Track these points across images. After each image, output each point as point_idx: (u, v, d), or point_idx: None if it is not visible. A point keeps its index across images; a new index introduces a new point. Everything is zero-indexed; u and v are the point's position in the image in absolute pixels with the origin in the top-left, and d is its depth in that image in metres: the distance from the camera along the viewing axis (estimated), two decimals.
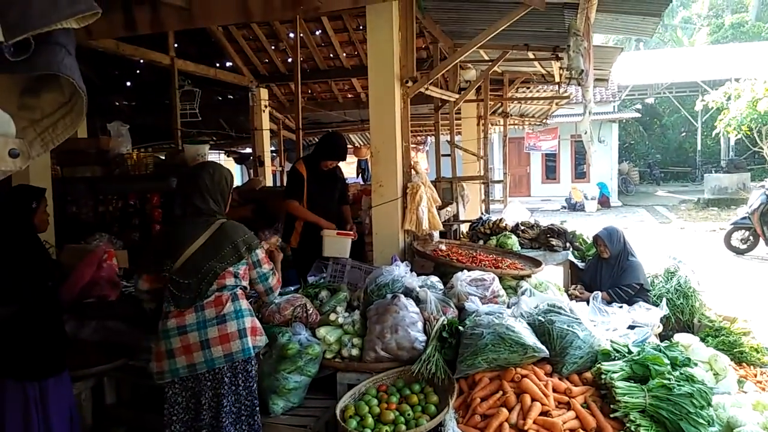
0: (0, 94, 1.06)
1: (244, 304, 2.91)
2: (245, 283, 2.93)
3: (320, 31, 8.36)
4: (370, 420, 2.87)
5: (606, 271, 4.88)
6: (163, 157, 6.77)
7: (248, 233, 2.94)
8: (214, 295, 2.81)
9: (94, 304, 4.11)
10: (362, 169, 14.71)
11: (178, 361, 2.75)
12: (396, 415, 2.88)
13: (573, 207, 20.22)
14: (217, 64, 8.93)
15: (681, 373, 2.92)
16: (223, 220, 2.93)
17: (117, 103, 10.45)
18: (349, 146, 14.96)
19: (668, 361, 3.01)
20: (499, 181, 11.08)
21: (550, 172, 24.30)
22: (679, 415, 2.70)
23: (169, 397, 2.79)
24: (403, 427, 2.82)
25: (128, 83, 10.07)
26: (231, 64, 9.06)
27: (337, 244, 4.60)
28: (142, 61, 7.92)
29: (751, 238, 10.67)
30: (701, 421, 2.70)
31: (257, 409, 2.91)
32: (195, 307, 2.79)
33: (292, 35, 7.84)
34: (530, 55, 7.48)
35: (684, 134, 29.10)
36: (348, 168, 15.06)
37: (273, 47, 8.89)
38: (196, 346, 2.74)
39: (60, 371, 3.02)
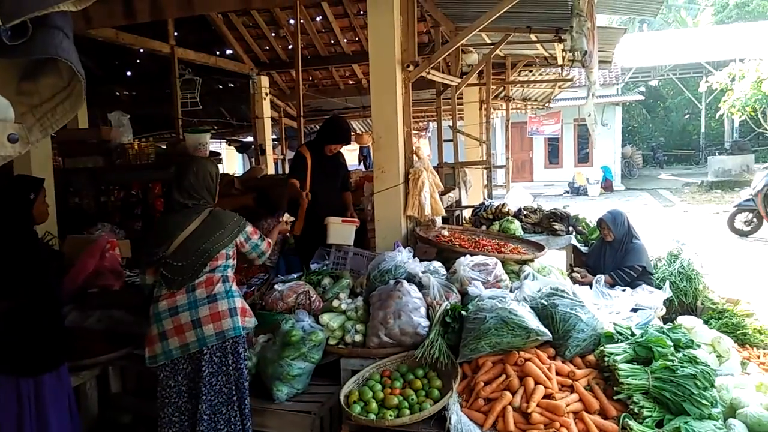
0: None
1: (234, 285, 3.03)
2: (234, 261, 3.07)
3: (321, 17, 8.31)
4: (374, 405, 2.88)
5: (610, 254, 4.87)
6: (165, 147, 6.76)
7: (236, 217, 3.10)
8: (205, 275, 2.91)
9: (97, 294, 4.14)
10: (364, 156, 14.69)
11: (170, 343, 2.82)
12: (400, 400, 2.89)
13: (576, 191, 20.18)
14: (218, 52, 8.90)
15: (684, 355, 2.91)
16: (211, 208, 3.05)
17: (117, 93, 10.44)
18: (351, 134, 14.93)
19: (671, 343, 3.01)
20: (501, 166, 11.02)
21: (553, 156, 24.20)
22: (682, 397, 2.70)
23: (161, 380, 2.86)
24: (407, 411, 2.83)
25: (128, 73, 10.04)
26: (231, 51, 9.02)
27: (341, 231, 4.60)
28: (142, 50, 7.90)
29: (754, 220, 10.63)
30: (704, 402, 2.71)
31: (247, 393, 2.98)
32: (186, 288, 2.87)
33: (292, 22, 7.80)
34: (532, 37, 7.41)
35: (688, 116, 28.89)
36: (350, 155, 15.03)
37: (273, 34, 8.84)
38: (188, 325, 2.82)
39: (56, 366, 2.94)
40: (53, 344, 2.94)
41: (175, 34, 7.44)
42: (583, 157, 23.41)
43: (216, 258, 2.94)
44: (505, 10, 4.53)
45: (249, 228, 3.15)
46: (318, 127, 5.21)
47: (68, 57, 1.06)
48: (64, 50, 1.05)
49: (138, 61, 9.56)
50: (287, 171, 6.03)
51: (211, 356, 2.85)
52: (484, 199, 7.46)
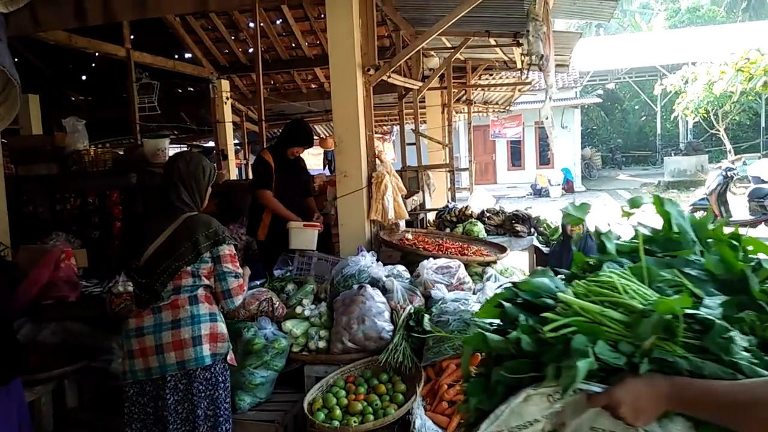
0: None
1: (205, 308, 2.71)
2: (209, 282, 2.74)
3: (281, 20, 8.24)
4: (338, 412, 2.86)
5: (570, 252, 4.95)
6: (122, 153, 6.61)
7: (214, 227, 2.72)
8: (170, 297, 2.67)
9: (52, 306, 3.99)
10: (329, 160, 14.61)
11: (136, 363, 2.66)
12: (364, 406, 2.87)
13: (538, 193, 20.50)
14: (176, 56, 8.72)
15: None
16: (189, 214, 2.74)
17: (72, 98, 10.15)
18: (314, 138, 14.85)
19: None
20: (464, 169, 11.14)
21: (516, 159, 24.56)
22: None
23: (130, 396, 2.71)
24: (371, 417, 2.81)
25: (83, 77, 9.78)
26: (190, 55, 8.86)
27: (303, 236, 4.55)
28: (96, 53, 7.71)
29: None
30: None
31: (222, 419, 2.72)
32: (152, 309, 2.67)
33: (252, 25, 7.70)
34: (492, 41, 7.50)
35: (644, 118, 29.71)
36: (315, 159, 14.96)
37: (233, 37, 8.72)
38: (152, 350, 2.62)
39: (4, 382, 2.79)
40: (0, 358, 2.81)
41: (132, 37, 7.28)
42: (545, 160, 23.82)
43: (178, 276, 2.65)
44: (463, 14, 4.57)
45: (225, 249, 2.72)
46: (280, 132, 5.17)
47: (0, 61, 1.01)
48: None
49: (93, 64, 9.32)
50: (250, 176, 5.96)
51: (176, 383, 2.64)
52: (448, 201, 7.50)
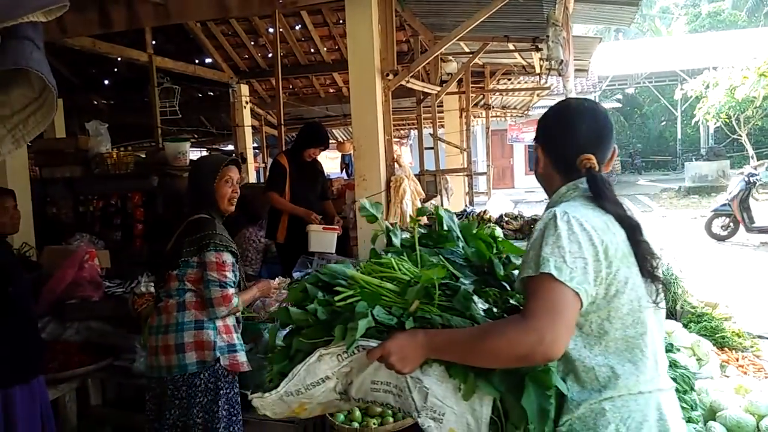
0: None
1: (190, 315, 2.64)
2: (196, 288, 2.67)
3: (300, 25, 8.31)
4: (357, 413, 2.87)
5: None
6: (144, 156, 6.70)
7: (203, 232, 2.63)
8: (164, 300, 2.70)
9: (76, 305, 4.07)
10: (346, 164, 14.67)
11: (147, 360, 2.77)
12: (383, 408, 2.89)
13: None
14: (196, 61, 8.84)
15: None
16: (194, 217, 2.71)
17: (95, 102, 10.33)
18: (332, 141, 14.90)
19: None
20: (482, 173, 11.11)
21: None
22: None
23: (147, 390, 2.80)
24: (391, 419, 2.83)
25: (106, 81, 9.94)
26: (210, 60, 8.97)
27: (322, 238, 4.59)
28: (119, 58, 7.84)
29: (731, 224, 10.79)
30: (684, 405, 2.74)
31: (222, 426, 2.64)
32: (157, 310, 2.73)
33: (271, 30, 7.78)
34: (510, 46, 7.50)
35: (664, 123, 29.37)
36: (332, 163, 15.02)
37: (252, 43, 8.82)
38: (153, 349, 2.68)
39: (27, 379, 2.84)
40: (24, 356, 2.85)
41: (153, 42, 7.40)
42: None
43: (167, 279, 2.68)
44: (482, 19, 4.59)
45: (212, 255, 2.61)
46: (295, 135, 5.21)
47: (39, 68, 1.04)
48: (35, 61, 1.03)
49: (116, 69, 9.48)
50: (267, 177, 6.01)
51: (165, 387, 2.65)
52: (466, 206, 7.51)
